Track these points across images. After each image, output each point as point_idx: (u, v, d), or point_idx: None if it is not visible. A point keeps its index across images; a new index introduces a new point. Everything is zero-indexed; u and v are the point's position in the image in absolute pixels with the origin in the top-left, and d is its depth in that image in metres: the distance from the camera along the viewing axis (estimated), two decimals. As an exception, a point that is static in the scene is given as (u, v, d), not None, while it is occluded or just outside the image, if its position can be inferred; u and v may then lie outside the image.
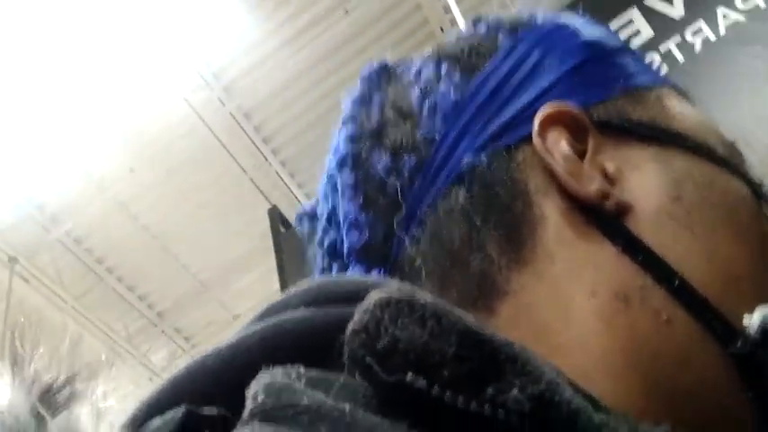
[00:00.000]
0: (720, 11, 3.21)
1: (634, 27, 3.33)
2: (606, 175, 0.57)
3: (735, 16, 3.19)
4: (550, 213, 0.55)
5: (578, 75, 0.62)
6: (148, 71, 4.63)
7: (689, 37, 3.19)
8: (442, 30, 5.39)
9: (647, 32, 3.30)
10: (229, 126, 4.81)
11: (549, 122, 0.59)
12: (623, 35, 3.27)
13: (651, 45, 3.22)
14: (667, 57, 3.18)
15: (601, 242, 0.53)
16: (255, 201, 5.22)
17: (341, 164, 0.63)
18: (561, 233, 0.54)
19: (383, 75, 0.68)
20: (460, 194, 0.58)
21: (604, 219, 0.54)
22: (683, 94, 0.68)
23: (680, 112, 0.63)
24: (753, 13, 3.17)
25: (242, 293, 6.35)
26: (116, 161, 5.26)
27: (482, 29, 0.68)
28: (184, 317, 6.66)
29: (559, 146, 0.58)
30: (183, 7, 4.50)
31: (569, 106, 0.60)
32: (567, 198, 0.56)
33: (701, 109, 0.66)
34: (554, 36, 0.64)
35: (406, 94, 0.65)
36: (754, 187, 0.59)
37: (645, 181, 0.56)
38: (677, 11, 3.30)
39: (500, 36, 0.66)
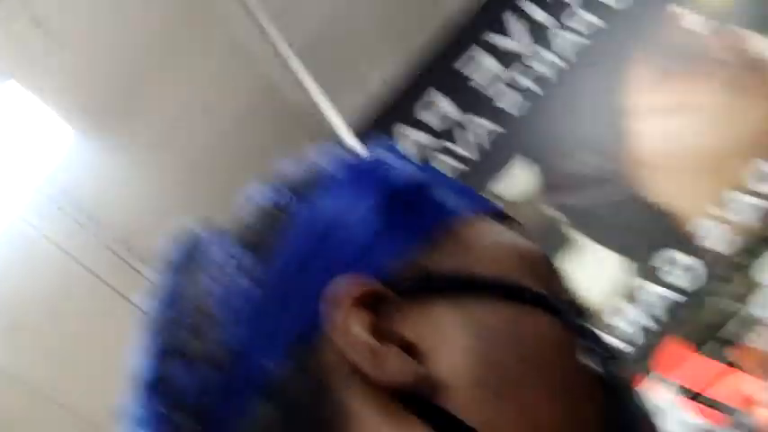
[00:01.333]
0: (559, 35, 3.26)
1: (480, 64, 3.32)
2: (412, 350, 0.52)
3: (573, 37, 3.24)
4: (360, 410, 0.51)
5: (378, 237, 0.57)
6: None
7: (534, 65, 3.29)
8: (306, 109, 5.42)
9: (494, 67, 3.30)
10: (101, 253, 4.69)
11: (341, 306, 0.53)
12: (470, 73, 3.37)
13: (501, 78, 3.30)
14: (518, 87, 3.27)
15: (422, 427, 0.49)
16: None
17: (149, 389, 0.58)
18: (378, 429, 0.50)
19: (190, 262, 0.63)
20: (266, 410, 0.53)
21: (417, 402, 0.50)
22: (498, 214, 0.64)
23: (486, 247, 0.59)
24: (588, 31, 3.21)
25: None
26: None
27: (276, 197, 0.62)
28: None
29: (355, 331, 0.52)
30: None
31: (362, 281, 0.54)
32: (375, 388, 0.51)
33: (514, 229, 0.63)
34: (352, 194, 0.60)
35: (206, 290, 0.59)
36: (568, 320, 0.56)
37: (453, 348, 0.52)
38: (519, 43, 3.31)
39: (294, 204, 0.60)
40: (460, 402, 0.49)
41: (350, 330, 0.51)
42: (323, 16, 5.28)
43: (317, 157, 0.64)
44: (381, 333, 0.52)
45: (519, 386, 0.51)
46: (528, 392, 0.50)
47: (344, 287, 0.53)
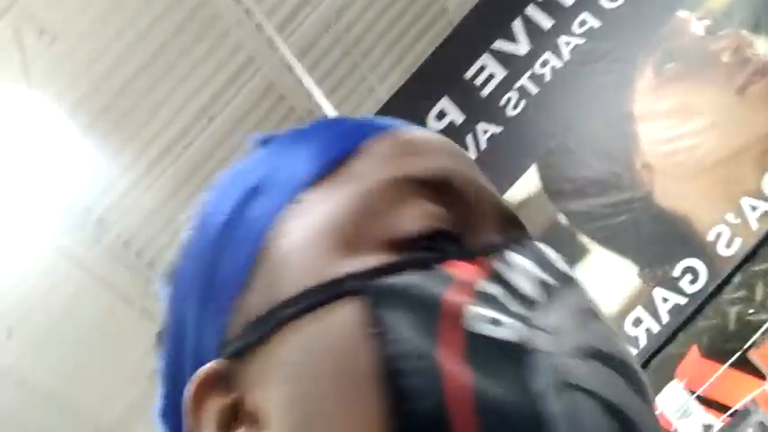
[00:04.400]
0: (562, 39, 3.36)
1: (488, 71, 3.43)
2: (257, 420, 0.49)
3: (575, 41, 3.32)
4: None
5: (204, 309, 0.54)
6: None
7: (538, 69, 3.33)
8: (310, 112, 5.41)
9: (500, 74, 3.40)
10: (108, 259, 4.68)
11: (188, 414, 0.51)
12: (480, 81, 3.42)
13: (506, 84, 3.35)
14: (522, 91, 3.31)
15: None
16: (150, 328, 4.99)
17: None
18: None
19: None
20: None
21: None
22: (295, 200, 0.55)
23: (292, 252, 0.52)
24: (589, 34, 3.30)
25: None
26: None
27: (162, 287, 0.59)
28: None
29: (208, 424, 0.50)
30: (39, 156, 4.40)
31: (196, 377, 0.50)
32: None
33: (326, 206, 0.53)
34: (186, 279, 0.56)
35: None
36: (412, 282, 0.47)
37: (272, 407, 0.48)
38: (523, 48, 3.42)
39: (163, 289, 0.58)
40: None
41: (207, 421, 0.49)
42: (328, 21, 5.31)
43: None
44: (234, 414, 0.49)
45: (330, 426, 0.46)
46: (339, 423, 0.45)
47: (188, 393, 0.50)
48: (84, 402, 5.94)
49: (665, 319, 2.63)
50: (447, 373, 0.41)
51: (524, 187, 3.06)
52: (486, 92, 3.38)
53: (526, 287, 0.45)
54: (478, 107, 3.35)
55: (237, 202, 0.56)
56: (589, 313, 0.46)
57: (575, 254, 2.84)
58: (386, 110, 3.54)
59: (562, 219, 2.94)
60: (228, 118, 5.33)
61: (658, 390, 2.35)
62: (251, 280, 0.51)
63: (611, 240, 2.80)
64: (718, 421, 2.31)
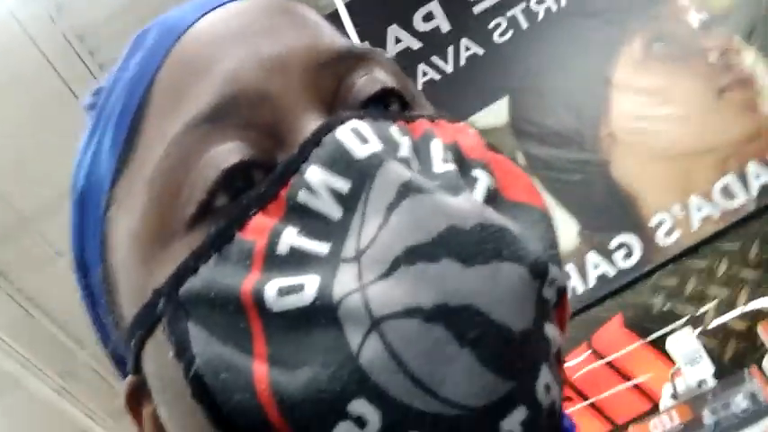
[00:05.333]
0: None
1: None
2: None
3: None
4: None
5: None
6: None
7: (533, 5, 3.28)
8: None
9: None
10: (62, 48, 4.51)
11: (131, 408, 0.51)
12: None
13: (499, 9, 3.30)
14: (512, 22, 3.28)
15: None
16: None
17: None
18: None
19: None
20: None
21: None
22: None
23: (120, 281, 0.49)
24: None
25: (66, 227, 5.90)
26: None
27: None
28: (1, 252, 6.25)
29: (149, 428, 0.50)
30: None
31: (128, 381, 0.50)
32: None
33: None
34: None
35: None
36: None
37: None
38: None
39: None
40: None
41: None
42: None
43: None
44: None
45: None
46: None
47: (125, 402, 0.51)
48: (7, 183, 5.78)
49: (592, 283, 2.72)
50: (253, 374, 0.37)
51: (492, 116, 3.07)
52: (477, 9, 3.33)
53: (325, 207, 0.39)
54: (467, 22, 3.30)
55: (76, 202, 0.52)
56: (406, 190, 0.37)
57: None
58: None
59: (520, 158, 2.95)
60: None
61: (569, 351, 2.42)
62: (109, 291, 0.49)
63: (561, 194, 2.84)
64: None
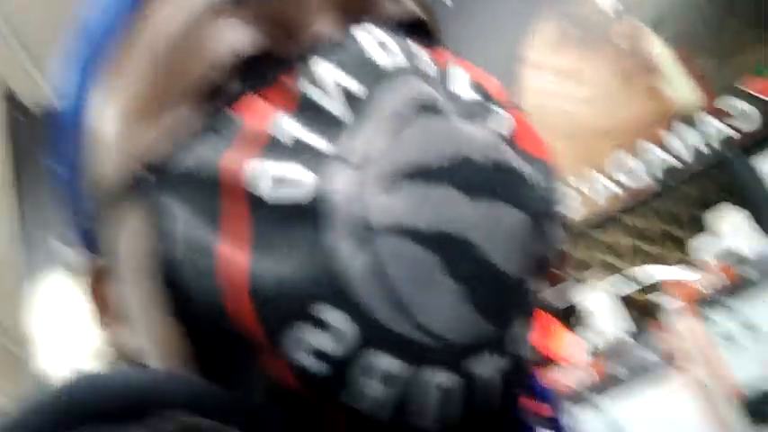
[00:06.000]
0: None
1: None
2: None
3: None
4: None
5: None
6: None
7: None
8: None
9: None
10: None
11: (94, 293, 0.51)
12: None
13: None
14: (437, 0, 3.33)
15: None
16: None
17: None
18: None
19: None
20: None
21: None
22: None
23: (102, 146, 0.48)
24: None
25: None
26: None
27: None
28: None
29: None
30: None
31: (92, 262, 0.50)
32: None
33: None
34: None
35: None
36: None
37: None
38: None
39: None
40: None
41: None
42: None
43: None
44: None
45: None
46: None
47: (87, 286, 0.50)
48: None
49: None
50: (223, 260, 0.36)
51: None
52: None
53: (336, 107, 0.37)
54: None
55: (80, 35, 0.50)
56: (424, 108, 0.37)
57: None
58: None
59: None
60: None
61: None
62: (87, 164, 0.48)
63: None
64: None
